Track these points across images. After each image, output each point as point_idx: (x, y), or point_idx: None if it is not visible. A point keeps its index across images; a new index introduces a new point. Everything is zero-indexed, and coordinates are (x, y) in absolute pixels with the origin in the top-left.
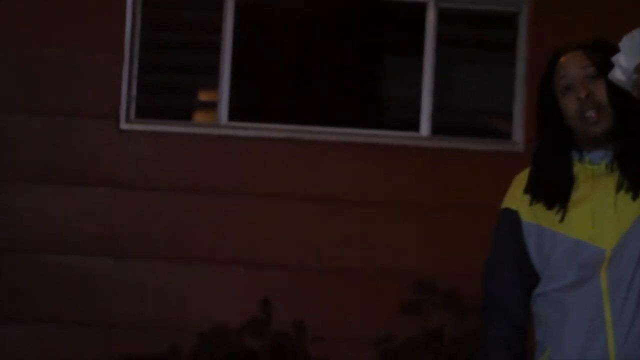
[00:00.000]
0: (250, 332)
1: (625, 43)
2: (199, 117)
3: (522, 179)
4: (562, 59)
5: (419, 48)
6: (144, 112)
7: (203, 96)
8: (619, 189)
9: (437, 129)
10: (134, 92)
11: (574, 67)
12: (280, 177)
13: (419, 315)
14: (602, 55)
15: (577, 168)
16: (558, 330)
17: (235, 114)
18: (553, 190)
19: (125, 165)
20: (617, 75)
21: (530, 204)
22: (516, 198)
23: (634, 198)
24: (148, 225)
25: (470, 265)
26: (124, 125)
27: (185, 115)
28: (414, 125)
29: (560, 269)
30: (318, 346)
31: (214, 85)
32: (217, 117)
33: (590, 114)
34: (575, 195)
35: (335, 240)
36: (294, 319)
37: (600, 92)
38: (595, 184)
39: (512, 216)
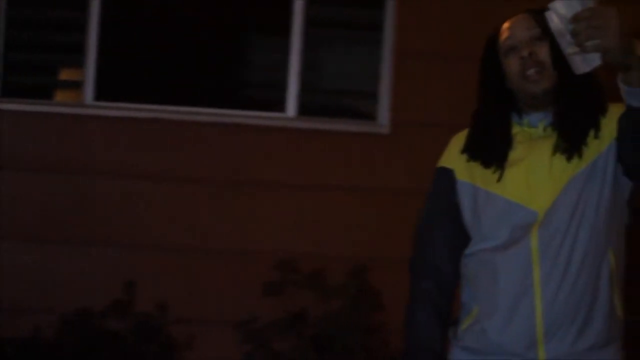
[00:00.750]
0: (113, 314)
1: None
2: (66, 96)
3: (459, 138)
4: (508, 22)
5: (286, 27)
6: (9, 91)
7: (70, 75)
8: (555, 151)
9: (304, 109)
10: None
11: (519, 28)
12: (146, 157)
13: (283, 296)
14: None
15: (516, 130)
16: (487, 290)
17: (102, 93)
18: (490, 149)
19: None
20: (554, 18)
21: (467, 161)
22: (452, 157)
23: (569, 160)
24: (11, 206)
25: (334, 245)
26: None
27: (52, 94)
28: (281, 106)
29: (493, 229)
30: (181, 327)
31: (80, 64)
32: (83, 97)
33: (531, 72)
34: (512, 156)
35: (200, 221)
36: (158, 301)
37: (544, 52)
38: (532, 146)
39: (447, 175)
